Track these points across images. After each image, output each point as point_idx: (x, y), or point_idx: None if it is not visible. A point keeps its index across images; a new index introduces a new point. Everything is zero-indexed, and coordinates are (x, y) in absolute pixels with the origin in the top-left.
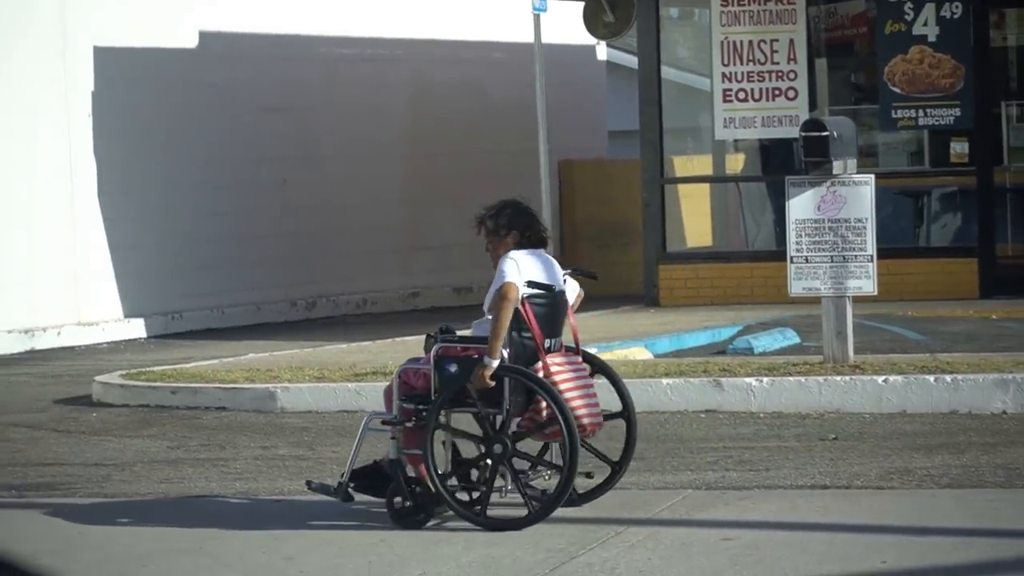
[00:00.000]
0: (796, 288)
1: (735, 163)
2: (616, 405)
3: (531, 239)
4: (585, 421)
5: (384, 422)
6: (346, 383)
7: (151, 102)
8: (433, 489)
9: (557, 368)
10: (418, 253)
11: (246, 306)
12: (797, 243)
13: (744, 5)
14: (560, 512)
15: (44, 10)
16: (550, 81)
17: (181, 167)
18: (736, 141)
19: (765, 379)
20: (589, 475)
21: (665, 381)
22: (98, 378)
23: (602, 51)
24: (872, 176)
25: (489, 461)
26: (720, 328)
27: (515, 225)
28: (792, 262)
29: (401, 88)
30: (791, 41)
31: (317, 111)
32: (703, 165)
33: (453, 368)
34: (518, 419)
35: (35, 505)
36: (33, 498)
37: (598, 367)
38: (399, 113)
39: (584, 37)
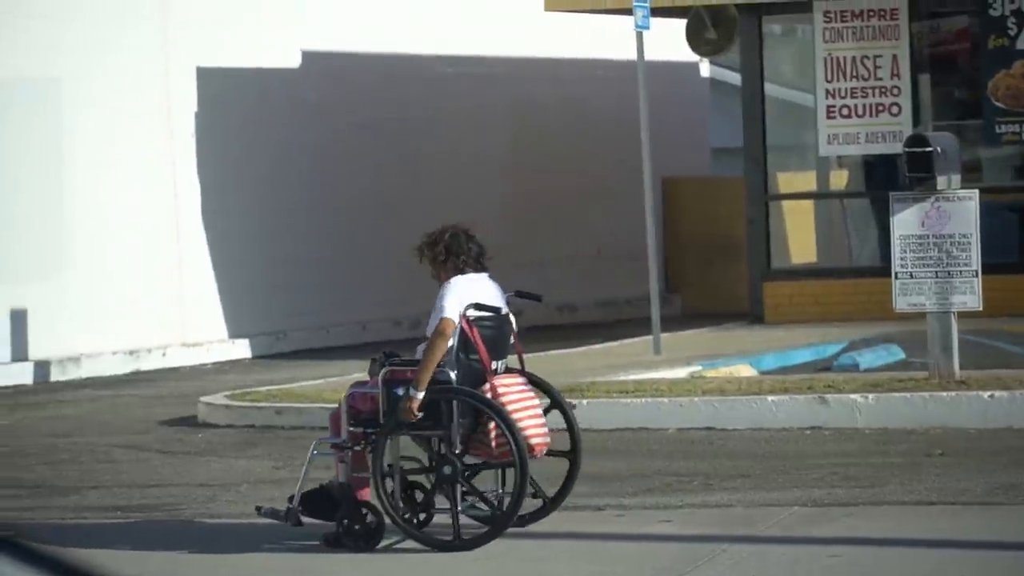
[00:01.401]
0: (901, 304)
1: (839, 179)
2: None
3: (471, 263)
4: (533, 442)
5: (333, 446)
6: None
7: (254, 122)
8: (383, 511)
9: (504, 389)
10: (520, 271)
11: (350, 325)
12: (902, 259)
13: (847, 21)
14: (663, 529)
15: (146, 31)
16: (653, 98)
17: (284, 187)
18: (840, 157)
19: (871, 395)
20: (535, 495)
21: (770, 398)
22: (203, 398)
23: (705, 68)
24: (976, 191)
25: (437, 482)
26: (825, 345)
27: (453, 251)
28: (897, 278)
29: (503, 106)
30: (894, 57)
31: (419, 130)
32: (807, 181)
33: (401, 391)
34: (465, 440)
35: (141, 526)
36: (139, 519)
37: (546, 391)
38: (501, 131)
39: (687, 54)
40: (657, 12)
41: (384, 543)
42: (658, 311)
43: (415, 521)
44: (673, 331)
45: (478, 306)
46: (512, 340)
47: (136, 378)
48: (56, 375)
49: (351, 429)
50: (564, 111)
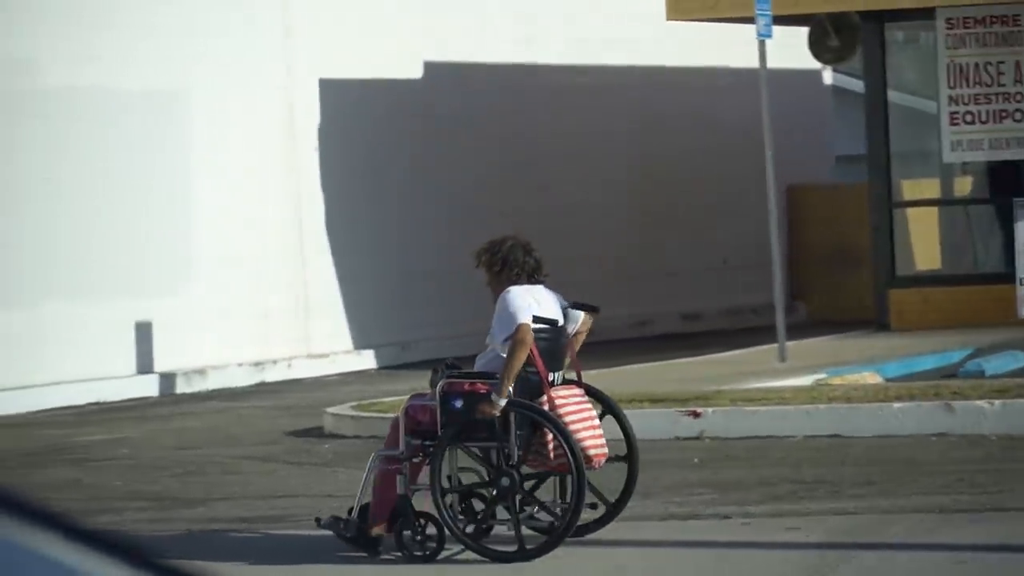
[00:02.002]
0: None
1: (963, 186)
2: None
3: (525, 277)
4: (591, 453)
5: (391, 458)
6: None
7: (376, 133)
8: (442, 522)
9: (562, 401)
10: (647, 280)
11: (474, 336)
12: None
13: (970, 27)
14: (790, 537)
15: (269, 43)
16: (776, 106)
17: (408, 198)
18: (964, 163)
19: (997, 401)
20: (593, 506)
21: (896, 405)
22: (329, 409)
23: (828, 76)
24: None
25: (495, 493)
26: (950, 351)
27: (509, 262)
28: (1021, 284)
29: (626, 116)
30: (1017, 63)
31: (543, 140)
32: (931, 188)
33: (459, 403)
34: (523, 452)
35: (267, 537)
36: (264, 530)
37: (601, 401)
38: (625, 140)
39: (810, 62)
40: (779, 20)
41: (444, 554)
42: (783, 319)
43: (474, 532)
44: (798, 339)
45: (535, 318)
46: (568, 351)
47: (261, 389)
48: (182, 387)
49: (410, 441)
50: (687, 120)
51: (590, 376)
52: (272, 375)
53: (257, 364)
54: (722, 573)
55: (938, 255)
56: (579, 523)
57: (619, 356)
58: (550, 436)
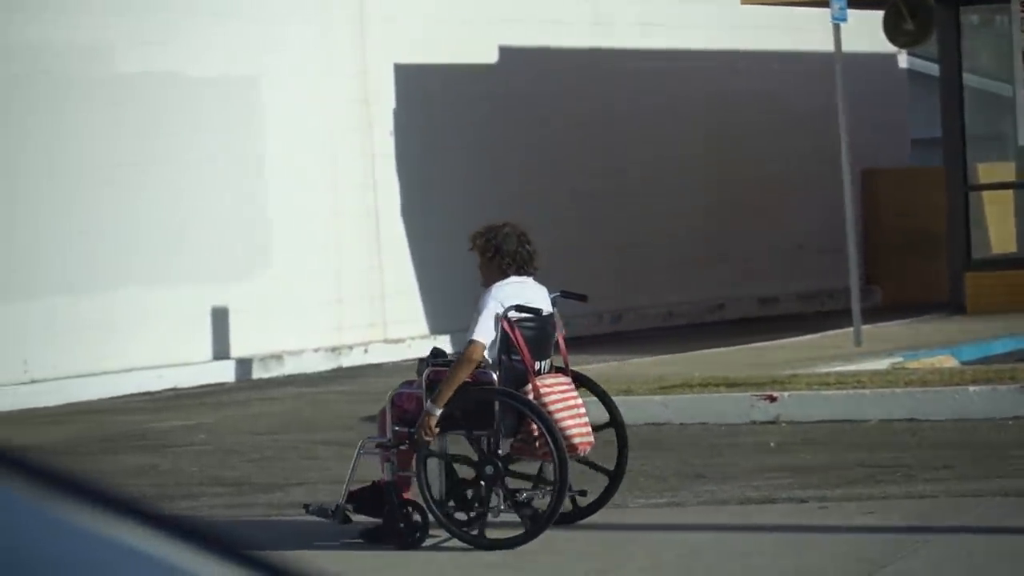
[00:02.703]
0: None
1: None
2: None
3: (515, 267)
4: (575, 441)
5: (378, 445)
6: (652, 396)
7: (452, 119)
8: (428, 510)
9: (547, 390)
10: (722, 264)
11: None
12: None
13: None
14: (867, 521)
15: (344, 29)
16: (851, 90)
17: (483, 183)
18: None
19: None
20: (583, 493)
21: (972, 388)
22: None
23: (903, 59)
24: None
25: (482, 482)
26: None
27: (502, 250)
28: None
29: (702, 100)
30: None
31: (618, 124)
32: (1006, 171)
33: None
34: (511, 440)
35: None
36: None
37: (584, 383)
38: (700, 124)
39: (885, 46)
40: (854, 4)
41: (431, 541)
42: (858, 303)
43: (462, 520)
44: (874, 322)
45: (519, 308)
46: (557, 340)
47: (338, 375)
48: (258, 373)
49: (396, 428)
50: (762, 105)
51: (667, 361)
52: (348, 360)
53: (333, 349)
54: (799, 557)
55: (1013, 238)
56: (583, 506)
57: (695, 340)
58: (534, 425)
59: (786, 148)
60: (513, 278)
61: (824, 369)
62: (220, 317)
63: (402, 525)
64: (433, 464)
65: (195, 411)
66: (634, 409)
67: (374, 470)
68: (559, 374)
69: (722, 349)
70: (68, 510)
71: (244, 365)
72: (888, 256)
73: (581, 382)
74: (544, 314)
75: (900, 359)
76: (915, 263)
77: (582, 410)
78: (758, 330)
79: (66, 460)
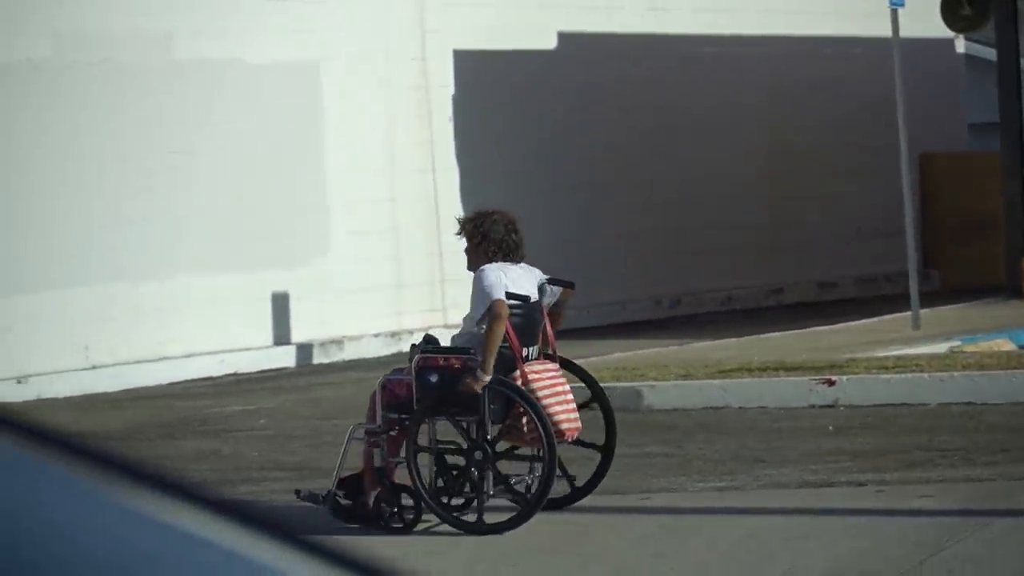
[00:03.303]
0: None
1: None
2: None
3: (501, 255)
4: (563, 427)
5: (368, 432)
6: (711, 380)
7: (510, 104)
8: (417, 495)
9: (535, 376)
10: (780, 249)
11: (611, 305)
12: None
13: None
14: (924, 504)
15: (402, 14)
16: (909, 75)
17: (542, 169)
18: None
19: None
20: (572, 478)
21: None
22: None
23: (960, 44)
24: None
25: (472, 468)
26: None
27: (489, 237)
28: None
29: (759, 85)
30: None
31: (675, 110)
32: None
33: (434, 378)
34: (499, 426)
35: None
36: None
37: (570, 368)
38: (757, 110)
39: (942, 31)
40: None
41: (422, 526)
42: (916, 287)
43: (452, 505)
44: (932, 307)
45: (508, 295)
46: (545, 326)
47: (398, 360)
48: (319, 358)
49: (387, 415)
50: (819, 90)
51: (726, 345)
52: (407, 345)
53: (393, 334)
54: (856, 540)
55: None
56: (579, 486)
57: (754, 325)
58: (522, 411)
59: (843, 133)
60: (500, 263)
61: (882, 353)
62: (280, 303)
63: (393, 510)
64: (423, 450)
65: (256, 396)
66: (693, 393)
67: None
68: (547, 360)
69: (780, 333)
70: (129, 496)
71: (304, 350)
72: (946, 240)
73: (570, 368)
74: (531, 301)
75: (958, 343)
76: (972, 247)
77: (569, 396)
78: (816, 314)
79: (127, 446)
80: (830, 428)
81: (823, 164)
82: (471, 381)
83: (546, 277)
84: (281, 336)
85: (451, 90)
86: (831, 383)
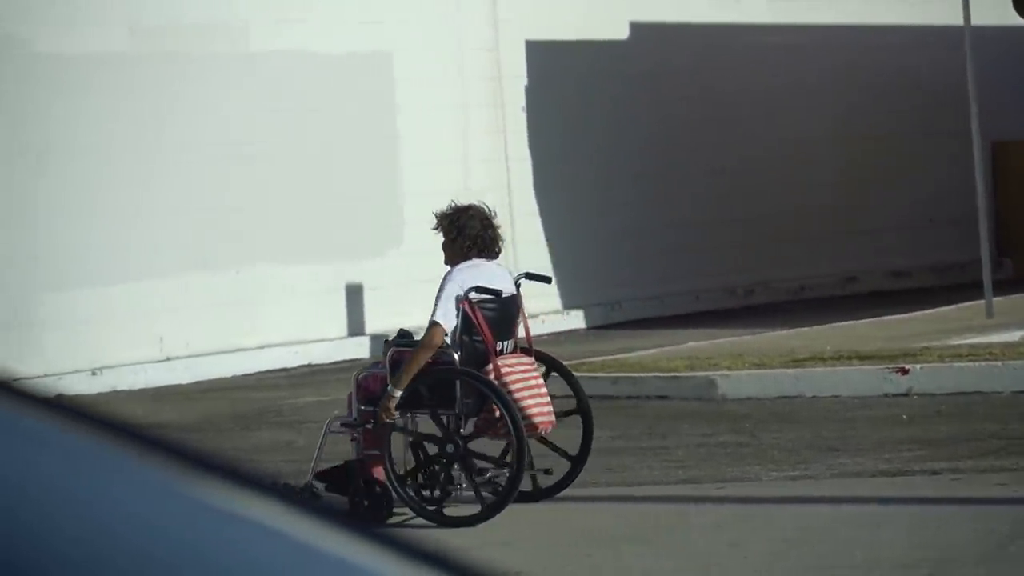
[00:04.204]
0: None
1: None
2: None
3: (476, 251)
4: (536, 420)
5: (344, 424)
6: (785, 369)
7: (583, 94)
8: (391, 487)
9: (507, 370)
10: (853, 238)
11: (684, 295)
12: None
13: None
14: (999, 493)
15: (475, 5)
16: (980, 63)
17: (614, 159)
18: None
19: None
20: (548, 471)
21: None
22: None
23: None
24: None
25: (443, 460)
26: None
27: (464, 232)
28: None
29: (830, 73)
30: None
31: (748, 99)
32: None
33: None
34: (475, 419)
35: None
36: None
37: (553, 366)
38: (828, 98)
39: (1014, 19)
40: None
41: (397, 519)
42: (990, 275)
43: (424, 498)
44: (1005, 295)
45: (479, 289)
46: (520, 320)
47: None
48: None
49: (362, 408)
50: (891, 77)
51: (799, 334)
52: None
53: None
54: (931, 529)
55: None
56: (544, 487)
57: (827, 314)
58: (495, 405)
59: (915, 121)
60: (474, 260)
61: (956, 341)
62: (354, 293)
63: (366, 503)
64: (397, 442)
65: (330, 387)
66: (767, 382)
67: (343, 449)
68: (522, 354)
69: (854, 322)
70: (205, 489)
71: (378, 341)
72: (1019, 228)
73: (548, 363)
74: (505, 295)
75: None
76: None
77: (543, 389)
78: (890, 303)
79: (201, 437)
80: (904, 417)
81: (896, 152)
82: (384, 400)
83: (523, 273)
84: (355, 327)
85: (524, 80)
86: (905, 372)
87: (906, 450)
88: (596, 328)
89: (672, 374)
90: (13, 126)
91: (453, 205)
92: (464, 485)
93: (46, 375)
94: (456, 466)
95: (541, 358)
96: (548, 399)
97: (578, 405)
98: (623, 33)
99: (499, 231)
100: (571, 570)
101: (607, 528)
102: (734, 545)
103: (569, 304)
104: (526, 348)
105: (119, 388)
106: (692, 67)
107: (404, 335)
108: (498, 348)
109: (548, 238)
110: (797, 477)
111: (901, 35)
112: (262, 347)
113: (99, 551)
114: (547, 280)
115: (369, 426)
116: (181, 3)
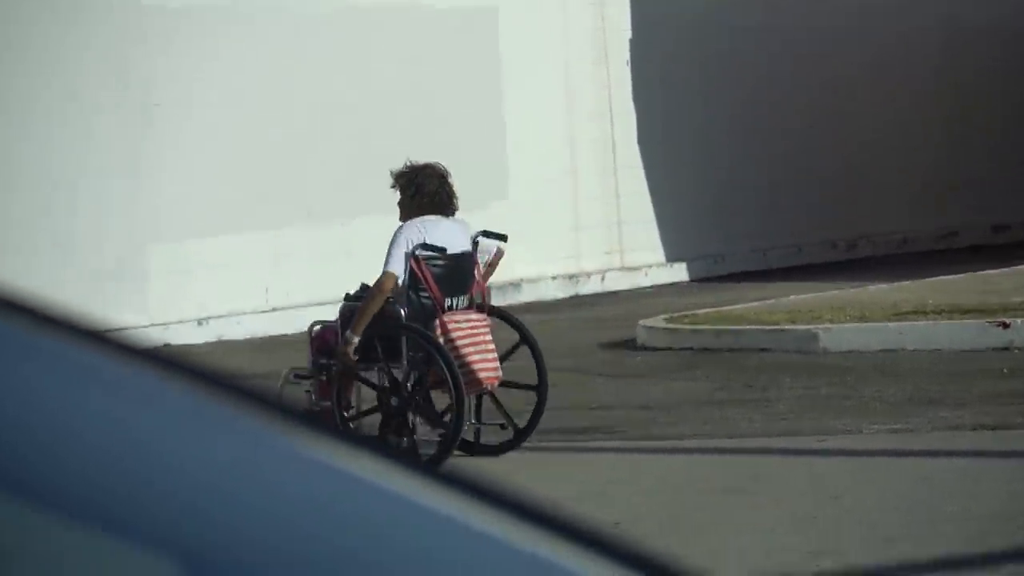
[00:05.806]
0: None
1: None
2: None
3: (432, 207)
4: (481, 376)
5: (298, 375)
6: (887, 323)
7: (687, 48)
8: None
9: (454, 326)
10: (954, 192)
11: (786, 248)
12: None
13: None
14: None
15: None
16: None
17: (718, 113)
18: None
19: None
20: (503, 426)
21: None
22: (642, 322)
23: None
24: None
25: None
26: None
27: (421, 189)
28: None
29: (933, 28)
30: None
31: (849, 54)
32: None
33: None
34: (423, 374)
35: (582, 448)
36: (580, 441)
37: (516, 328)
38: (931, 53)
39: None
40: None
41: None
42: None
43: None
44: None
45: (425, 246)
46: (475, 277)
47: (576, 302)
48: (497, 300)
49: (318, 361)
50: (995, 33)
51: (901, 288)
52: (585, 288)
53: (571, 277)
54: (1003, 485)
55: None
56: (493, 443)
57: (927, 268)
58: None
59: (1017, 76)
60: (427, 216)
61: None
62: None
63: None
64: (347, 391)
65: None
66: (869, 336)
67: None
68: (472, 311)
69: (955, 276)
70: (310, 443)
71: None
72: None
73: (505, 319)
74: (453, 252)
75: None
76: None
77: (491, 346)
78: (990, 257)
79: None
80: (1004, 371)
81: (996, 106)
82: (342, 347)
83: (479, 231)
84: None
85: (628, 34)
86: (1005, 326)
87: (1007, 403)
88: (699, 280)
89: (774, 327)
90: (120, 79)
91: (409, 163)
92: (416, 433)
93: (152, 324)
94: (416, 416)
95: (502, 316)
96: (495, 355)
97: (537, 384)
98: None
99: (455, 188)
100: (670, 521)
101: (707, 479)
102: (836, 498)
103: (672, 257)
104: (479, 305)
105: (225, 338)
106: (794, 23)
107: (366, 288)
108: (449, 304)
109: (651, 190)
110: (898, 430)
111: None
112: None
113: (207, 510)
114: (503, 237)
115: (324, 377)
116: None
